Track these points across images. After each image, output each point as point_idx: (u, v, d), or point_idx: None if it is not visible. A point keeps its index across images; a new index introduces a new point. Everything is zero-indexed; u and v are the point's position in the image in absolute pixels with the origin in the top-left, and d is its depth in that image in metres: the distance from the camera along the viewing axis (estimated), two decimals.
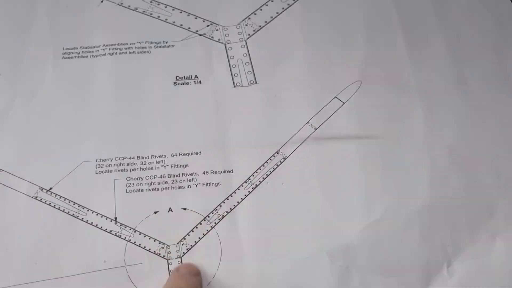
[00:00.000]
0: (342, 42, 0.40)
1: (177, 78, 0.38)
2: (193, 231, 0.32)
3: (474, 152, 0.35)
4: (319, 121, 0.36)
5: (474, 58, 0.39)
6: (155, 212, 0.33)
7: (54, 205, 0.32)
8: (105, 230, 0.32)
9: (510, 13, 0.41)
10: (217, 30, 0.40)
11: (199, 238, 0.32)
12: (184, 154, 0.35)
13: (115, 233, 0.32)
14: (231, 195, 0.33)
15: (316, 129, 0.36)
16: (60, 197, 0.33)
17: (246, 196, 0.33)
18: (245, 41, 0.40)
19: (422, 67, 0.39)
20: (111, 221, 0.32)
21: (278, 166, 0.35)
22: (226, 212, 0.33)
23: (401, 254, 0.32)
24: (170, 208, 0.33)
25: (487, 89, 0.38)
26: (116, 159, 0.34)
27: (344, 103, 0.37)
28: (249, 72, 0.38)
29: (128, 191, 0.33)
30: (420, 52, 0.39)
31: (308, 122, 0.36)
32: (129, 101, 0.37)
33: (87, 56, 0.39)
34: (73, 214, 0.32)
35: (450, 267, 0.32)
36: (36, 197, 0.33)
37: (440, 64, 0.39)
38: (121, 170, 0.34)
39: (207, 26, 0.40)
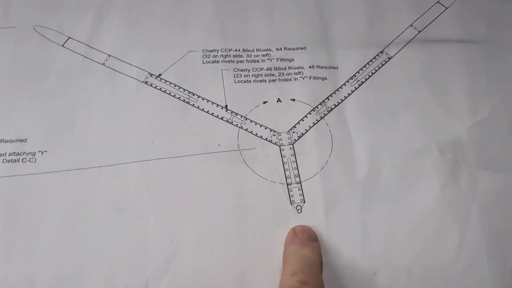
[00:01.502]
0: None
1: None
2: (303, 120, 0.32)
3: None
4: (422, 24, 0.36)
5: None
6: (264, 102, 0.33)
7: (165, 90, 0.33)
8: (217, 117, 0.32)
9: None
10: None
11: (310, 127, 0.32)
12: (289, 49, 0.35)
13: (227, 120, 0.32)
14: (337, 90, 0.33)
15: (419, 31, 0.36)
16: (170, 83, 0.33)
17: (352, 91, 0.34)
18: None
19: None
20: (222, 108, 0.32)
21: (383, 65, 0.35)
22: (334, 105, 0.33)
23: (507, 152, 0.32)
24: (278, 98, 0.33)
25: None
26: (222, 50, 0.34)
27: (446, 8, 0.37)
28: None
29: (236, 81, 0.33)
30: None
31: (411, 25, 0.36)
32: None
33: None
34: (184, 99, 0.32)
35: None
36: (147, 82, 0.33)
37: None
38: (228, 62, 0.34)
39: None
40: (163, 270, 0.27)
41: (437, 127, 0.32)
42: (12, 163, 0.30)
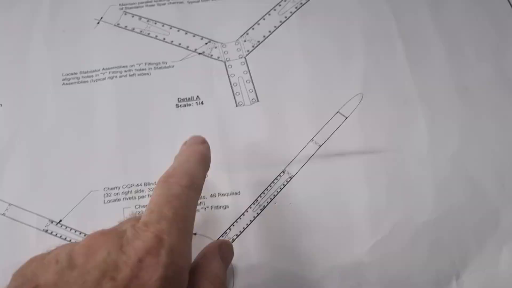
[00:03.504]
0: (341, 54, 0.40)
1: (179, 99, 0.38)
2: None
3: (477, 160, 0.36)
4: (323, 137, 0.36)
5: (473, 64, 0.39)
6: None
7: (65, 238, 0.33)
8: None
9: (509, 17, 0.41)
10: (215, 47, 0.40)
11: None
12: None
13: None
14: (239, 218, 0.34)
15: (320, 146, 0.36)
16: (71, 229, 0.33)
17: (255, 218, 0.34)
18: (245, 57, 0.40)
19: (423, 76, 0.39)
20: None
21: (285, 185, 0.35)
22: (236, 235, 0.33)
23: (411, 269, 0.32)
24: None
25: (488, 95, 0.38)
26: (124, 187, 0.34)
27: (346, 117, 0.37)
28: (251, 90, 0.38)
29: None
30: (420, 61, 0.39)
31: (312, 140, 0.36)
32: (132, 126, 0.37)
33: (87, 81, 0.39)
34: None
35: (459, 280, 0.32)
36: (47, 230, 0.33)
37: (441, 72, 0.39)
38: (130, 198, 0.34)
39: (206, 44, 0.40)
40: None
41: (338, 250, 0.33)
42: None
